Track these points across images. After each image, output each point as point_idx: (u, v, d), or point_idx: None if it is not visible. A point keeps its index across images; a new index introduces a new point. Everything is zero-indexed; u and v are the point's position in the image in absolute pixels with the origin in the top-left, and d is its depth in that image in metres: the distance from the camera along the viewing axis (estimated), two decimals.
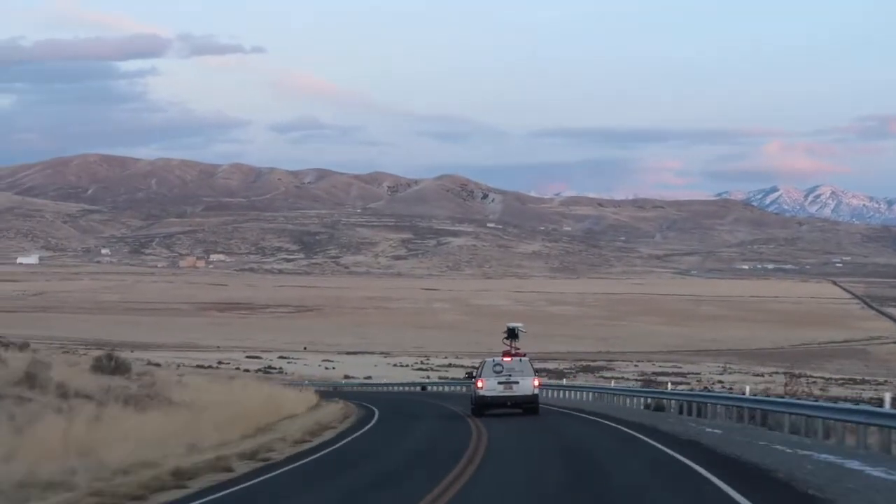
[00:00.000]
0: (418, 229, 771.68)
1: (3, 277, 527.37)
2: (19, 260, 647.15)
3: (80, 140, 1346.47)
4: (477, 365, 57.11)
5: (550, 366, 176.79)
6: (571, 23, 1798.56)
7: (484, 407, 51.77)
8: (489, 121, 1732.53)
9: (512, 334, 58.08)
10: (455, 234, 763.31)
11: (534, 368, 54.02)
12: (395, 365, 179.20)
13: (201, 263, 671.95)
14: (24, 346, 73.40)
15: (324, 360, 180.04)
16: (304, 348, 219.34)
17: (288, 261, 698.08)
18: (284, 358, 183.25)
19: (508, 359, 53.30)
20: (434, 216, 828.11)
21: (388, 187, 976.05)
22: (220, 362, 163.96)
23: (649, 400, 63.18)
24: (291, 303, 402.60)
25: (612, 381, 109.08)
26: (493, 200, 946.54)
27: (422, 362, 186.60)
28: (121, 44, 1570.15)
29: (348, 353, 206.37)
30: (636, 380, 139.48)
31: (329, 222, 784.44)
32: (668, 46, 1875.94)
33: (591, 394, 77.26)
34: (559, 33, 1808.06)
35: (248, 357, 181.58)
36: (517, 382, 51.69)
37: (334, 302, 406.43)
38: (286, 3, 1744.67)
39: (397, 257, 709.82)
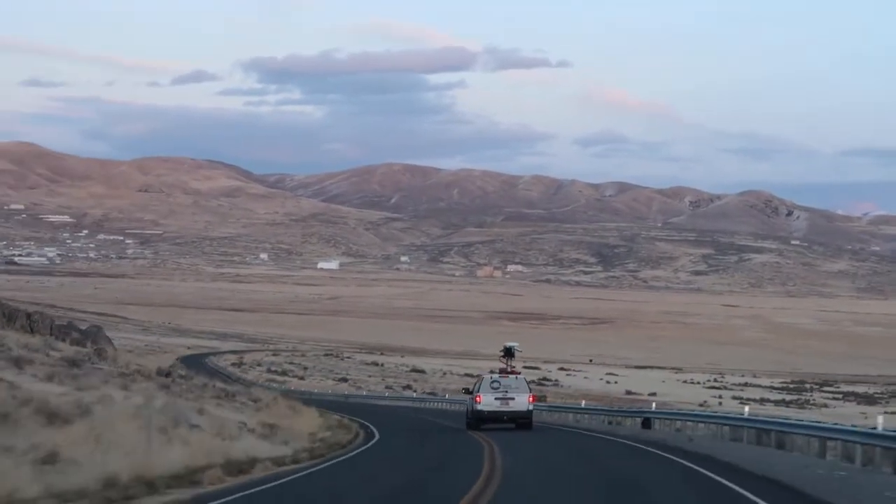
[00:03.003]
0: (720, 245, 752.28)
1: (303, 281, 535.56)
2: (320, 265, 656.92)
3: (385, 150, 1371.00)
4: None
5: (859, 389, 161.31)
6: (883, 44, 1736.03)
7: (481, 421, 53.91)
8: (796, 138, 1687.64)
9: (508, 353, 60.72)
10: (758, 250, 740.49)
11: (528, 386, 56.36)
12: (685, 382, 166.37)
13: (498, 273, 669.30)
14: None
15: (607, 374, 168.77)
16: (590, 361, 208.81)
17: (585, 273, 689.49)
18: (564, 370, 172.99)
19: (505, 376, 55.97)
20: (736, 232, 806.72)
21: (690, 202, 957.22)
22: (491, 371, 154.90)
23: None
24: (585, 315, 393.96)
25: None
26: (797, 217, 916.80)
27: (715, 380, 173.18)
28: (431, 57, 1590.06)
29: (635, 368, 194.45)
30: None
31: (628, 235, 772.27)
32: None
33: None
34: (868, 56, 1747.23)
35: (525, 367, 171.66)
36: (513, 399, 54.14)
37: (629, 315, 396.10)
38: (593, 18, 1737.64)
39: (697, 272, 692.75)
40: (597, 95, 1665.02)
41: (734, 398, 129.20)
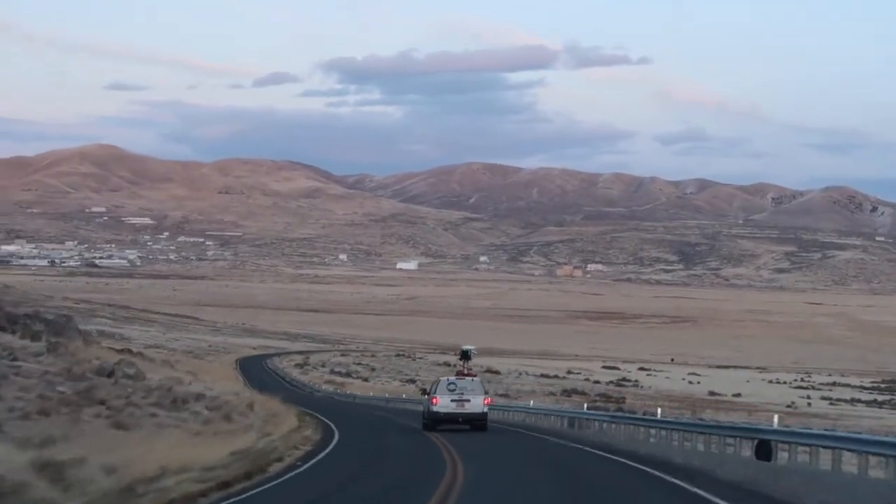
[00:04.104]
0: (803, 242, 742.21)
1: (382, 282, 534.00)
2: (399, 265, 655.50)
3: (465, 150, 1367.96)
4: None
5: None
6: None
7: (437, 422, 54.61)
8: (879, 132, 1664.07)
9: (465, 355, 63.19)
10: (841, 247, 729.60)
11: (484, 388, 57.39)
12: (770, 381, 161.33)
13: (578, 272, 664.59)
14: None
15: (689, 374, 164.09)
16: (672, 360, 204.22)
17: (666, 271, 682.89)
18: (645, 370, 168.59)
19: (462, 378, 57.47)
20: (819, 228, 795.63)
21: (773, 199, 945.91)
22: (569, 372, 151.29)
23: None
24: (666, 313, 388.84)
25: None
26: (882, 213, 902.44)
27: (802, 379, 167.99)
28: (510, 56, 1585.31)
29: (718, 367, 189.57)
30: None
31: (710, 233, 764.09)
32: None
33: None
34: None
35: (604, 367, 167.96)
36: (469, 400, 54.98)
37: (711, 314, 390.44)
38: (673, 15, 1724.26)
39: (780, 270, 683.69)
40: (677, 92, 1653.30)
41: (823, 398, 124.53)
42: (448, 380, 57.10)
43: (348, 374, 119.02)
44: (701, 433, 42.11)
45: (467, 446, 42.14)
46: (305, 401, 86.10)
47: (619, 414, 57.31)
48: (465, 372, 60.40)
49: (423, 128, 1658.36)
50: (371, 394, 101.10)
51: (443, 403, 54.80)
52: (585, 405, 63.38)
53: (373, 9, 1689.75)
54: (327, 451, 38.60)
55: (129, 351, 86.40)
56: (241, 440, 34.71)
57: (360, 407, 77.61)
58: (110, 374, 45.43)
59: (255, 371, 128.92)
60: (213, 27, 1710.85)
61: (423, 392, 62.83)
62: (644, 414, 56.87)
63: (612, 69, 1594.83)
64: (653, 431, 47.57)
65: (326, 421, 57.59)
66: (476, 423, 54.93)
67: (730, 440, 39.81)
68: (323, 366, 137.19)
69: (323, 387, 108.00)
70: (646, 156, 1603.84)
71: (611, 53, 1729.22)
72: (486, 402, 55.85)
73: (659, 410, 52.41)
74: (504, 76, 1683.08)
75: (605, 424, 53.95)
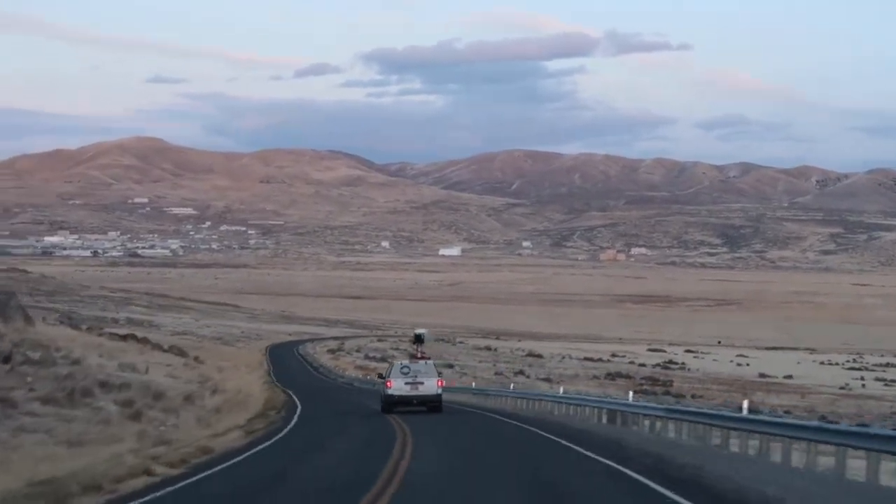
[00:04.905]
0: (848, 224, 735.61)
1: (424, 268, 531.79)
2: (442, 251, 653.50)
3: (506, 137, 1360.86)
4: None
5: None
6: None
7: (392, 405, 55.46)
8: None
9: (418, 339, 63.46)
10: (887, 228, 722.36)
11: (437, 371, 58.08)
12: (822, 363, 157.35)
13: (622, 257, 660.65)
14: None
15: (737, 356, 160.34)
16: (719, 342, 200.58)
17: (710, 255, 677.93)
18: (692, 352, 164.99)
19: (415, 361, 57.96)
20: (864, 210, 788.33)
21: (817, 181, 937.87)
22: (613, 355, 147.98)
23: None
24: (711, 296, 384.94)
25: None
26: None
27: (854, 360, 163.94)
28: (549, 44, 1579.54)
29: (767, 349, 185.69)
30: None
31: (754, 216, 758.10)
32: None
33: None
34: None
35: (649, 350, 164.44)
36: (422, 383, 55.72)
37: (757, 296, 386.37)
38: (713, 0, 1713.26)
39: (825, 252, 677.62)
40: (718, 77, 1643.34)
41: (877, 380, 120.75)
42: (401, 363, 58.24)
43: (383, 359, 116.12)
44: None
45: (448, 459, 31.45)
46: (315, 388, 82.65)
47: (681, 409, 40.79)
48: (419, 355, 60.78)
49: (463, 117, 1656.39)
50: None
51: (397, 386, 55.62)
52: (631, 393, 51.82)
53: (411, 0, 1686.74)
54: (215, 470, 28.53)
55: (134, 336, 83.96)
56: (105, 451, 28.53)
57: (369, 394, 71.47)
58: (6, 360, 38.85)
59: (284, 357, 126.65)
60: (254, 20, 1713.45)
61: (380, 376, 62.39)
62: (720, 406, 46.83)
63: (652, 55, 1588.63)
64: (752, 443, 31.51)
65: (298, 411, 54.90)
66: (430, 404, 55.78)
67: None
68: (358, 351, 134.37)
69: (348, 373, 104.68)
70: (687, 141, 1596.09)
71: (651, 40, 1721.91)
72: (439, 384, 56.75)
73: (745, 403, 34.78)
74: (544, 64, 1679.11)
75: (658, 423, 40.30)
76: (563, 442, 36.74)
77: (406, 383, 55.76)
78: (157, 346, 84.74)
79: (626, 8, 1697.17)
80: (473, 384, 79.03)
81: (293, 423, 46.30)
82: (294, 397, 67.90)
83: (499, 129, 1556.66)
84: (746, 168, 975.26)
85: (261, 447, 33.91)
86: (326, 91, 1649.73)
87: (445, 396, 64.12)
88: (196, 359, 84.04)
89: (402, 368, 56.79)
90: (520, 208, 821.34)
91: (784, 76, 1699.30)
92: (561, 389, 58.79)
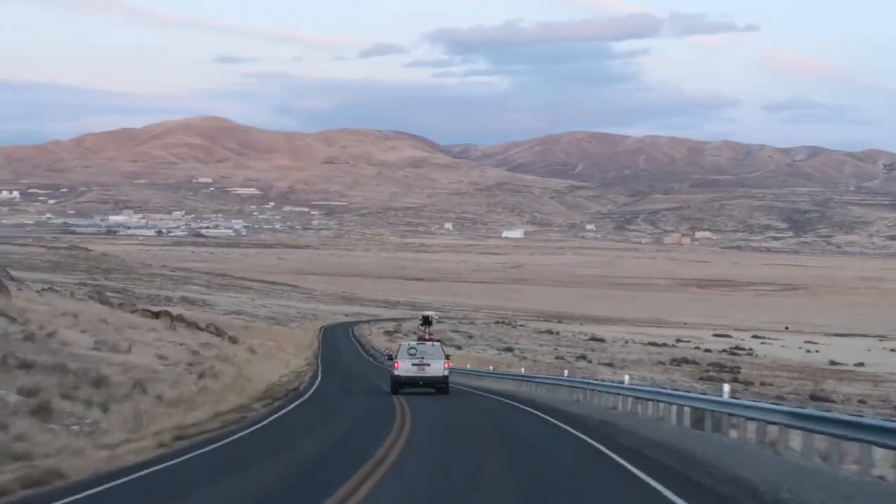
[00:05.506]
0: None
1: (487, 250, 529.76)
2: (504, 234, 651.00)
3: (570, 119, 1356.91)
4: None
5: None
6: None
7: (399, 385, 55.66)
8: None
9: (426, 321, 65.52)
10: None
11: (445, 353, 58.21)
12: (893, 350, 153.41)
13: (686, 240, 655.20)
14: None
15: (806, 342, 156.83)
16: (786, 328, 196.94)
17: (776, 239, 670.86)
18: (759, 338, 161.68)
19: (423, 343, 58.78)
20: None
21: (884, 165, 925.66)
22: (678, 340, 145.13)
23: None
24: (777, 281, 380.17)
25: None
26: None
27: None
28: (615, 25, 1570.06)
29: (835, 335, 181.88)
30: None
31: (820, 200, 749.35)
32: None
33: None
34: None
35: (715, 335, 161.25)
36: (429, 364, 56.22)
37: (823, 281, 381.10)
38: None
39: (893, 237, 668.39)
40: (785, 59, 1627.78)
41: None
42: (409, 345, 58.62)
43: (441, 342, 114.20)
44: None
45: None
46: (354, 371, 79.02)
47: (819, 414, 25.23)
48: (427, 337, 62.09)
49: (527, 97, 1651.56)
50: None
51: (404, 367, 55.94)
52: (726, 387, 32.78)
53: None
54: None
55: (168, 314, 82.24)
56: None
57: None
58: None
59: (338, 338, 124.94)
60: (317, 1, 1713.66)
61: (389, 357, 62.77)
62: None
63: (718, 36, 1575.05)
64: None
65: (298, 401, 47.04)
66: (437, 385, 56.16)
67: None
68: (414, 333, 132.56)
69: None
70: (752, 123, 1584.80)
71: (717, 21, 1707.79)
72: (445, 365, 57.04)
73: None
74: (609, 45, 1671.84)
75: (772, 431, 27.53)
76: (642, 476, 22.38)
77: (413, 364, 56.12)
78: (193, 325, 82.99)
79: None
80: (522, 370, 72.65)
81: (263, 423, 35.80)
82: (316, 381, 64.31)
83: (563, 111, 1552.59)
84: (813, 151, 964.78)
85: (148, 470, 23.63)
86: (390, 71, 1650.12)
87: (478, 384, 63.75)
88: (231, 338, 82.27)
89: (409, 350, 57.22)
90: (583, 191, 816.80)
91: (851, 58, 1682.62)
92: (626, 378, 48.42)
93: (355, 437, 31.79)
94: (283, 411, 41.25)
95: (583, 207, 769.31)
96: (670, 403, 36.87)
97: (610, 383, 50.24)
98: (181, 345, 64.45)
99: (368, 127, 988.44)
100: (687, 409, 34.86)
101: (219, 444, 29.25)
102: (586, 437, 31.50)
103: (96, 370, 37.88)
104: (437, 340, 61.26)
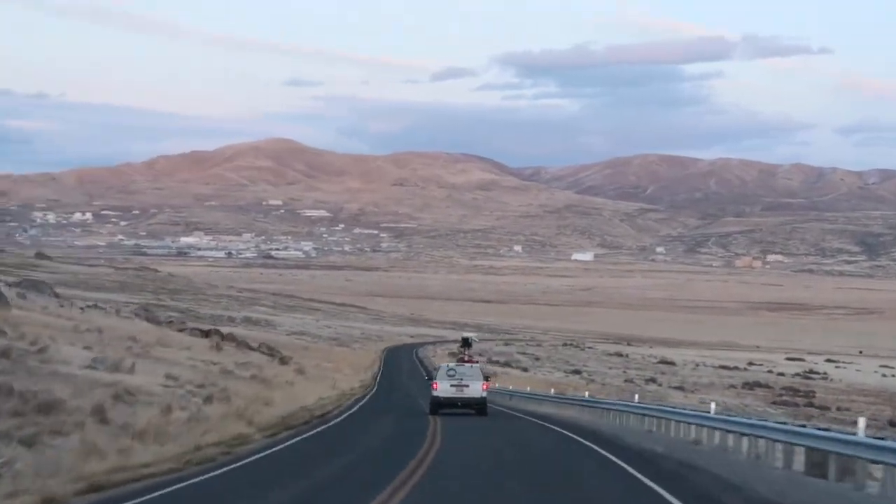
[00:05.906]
0: None
1: (556, 273, 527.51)
2: (574, 256, 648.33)
3: (641, 142, 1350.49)
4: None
5: None
6: None
7: (438, 406, 56.33)
8: None
9: (465, 343, 67.72)
10: None
11: (483, 374, 59.04)
12: None
13: (758, 263, 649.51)
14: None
15: (881, 366, 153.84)
16: (860, 352, 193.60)
17: (849, 262, 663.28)
18: (832, 362, 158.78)
19: (462, 365, 59.49)
20: None
21: None
22: (750, 363, 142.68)
23: None
24: (850, 305, 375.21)
25: None
26: None
27: None
28: (687, 48, 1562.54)
29: None
30: None
31: (893, 224, 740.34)
32: None
33: None
34: None
35: (788, 359, 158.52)
36: (467, 385, 56.73)
37: None
38: (854, 2, 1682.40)
39: None
40: (859, 82, 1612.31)
41: None
42: (448, 366, 59.43)
43: (507, 364, 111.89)
44: None
45: None
46: (407, 394, 75.44)
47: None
48: (466, 359, 62.88)
49: (597, 120, 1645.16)
50: (510, 387, 78.82)
51: (442, 388, 56.54)
52: (862, 420, 23.16)
53: (546, 2, 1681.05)
54: None
55: (219, 333, 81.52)
56: None
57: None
58: None
59: (401, 359, 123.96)
60: (389, 23, 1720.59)
61: (428, 378, 66.24)
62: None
63: (792, 59, 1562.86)
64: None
65: (307, 433, 39.28)
66: (476, 406, 56.59)
67: None
68: (481, 355, 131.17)
69: None
70: (824, 146, 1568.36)
71: (790, 44, 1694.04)
72: (484, 387, 57.58)
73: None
74: (680, 68, 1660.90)
75: None
76: None
77: (451, 385, 56.60)
78: (243, 344, 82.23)
79: (764, 11, 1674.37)
80: (587, 393, 66.68)
81: (235, 465, 27.93)
82: (358, 404, 61.07)
83: (633, 134, 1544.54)
84: (887, 175, 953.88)
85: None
86: (460, 94, 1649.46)
87: (533, 409, 62.58)
88: (282, 359, 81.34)
89: (448, 371, 57.89)
90: (653, 213, 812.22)
91: None
92: (713, 407, 38.29)
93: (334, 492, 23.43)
94: (281, 446, 33.83)
95: (653, 230, 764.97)
96: (775, 441, 29.24)
97: (691, 411, 41.58)
98: (214, 364, 61.48)
99: (438, 150, 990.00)
100: (800, 449, 27.66)
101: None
102: (662, 490, 23.56)
103: (50, 392, 31.73)
104: (476, 362, 61.81)
